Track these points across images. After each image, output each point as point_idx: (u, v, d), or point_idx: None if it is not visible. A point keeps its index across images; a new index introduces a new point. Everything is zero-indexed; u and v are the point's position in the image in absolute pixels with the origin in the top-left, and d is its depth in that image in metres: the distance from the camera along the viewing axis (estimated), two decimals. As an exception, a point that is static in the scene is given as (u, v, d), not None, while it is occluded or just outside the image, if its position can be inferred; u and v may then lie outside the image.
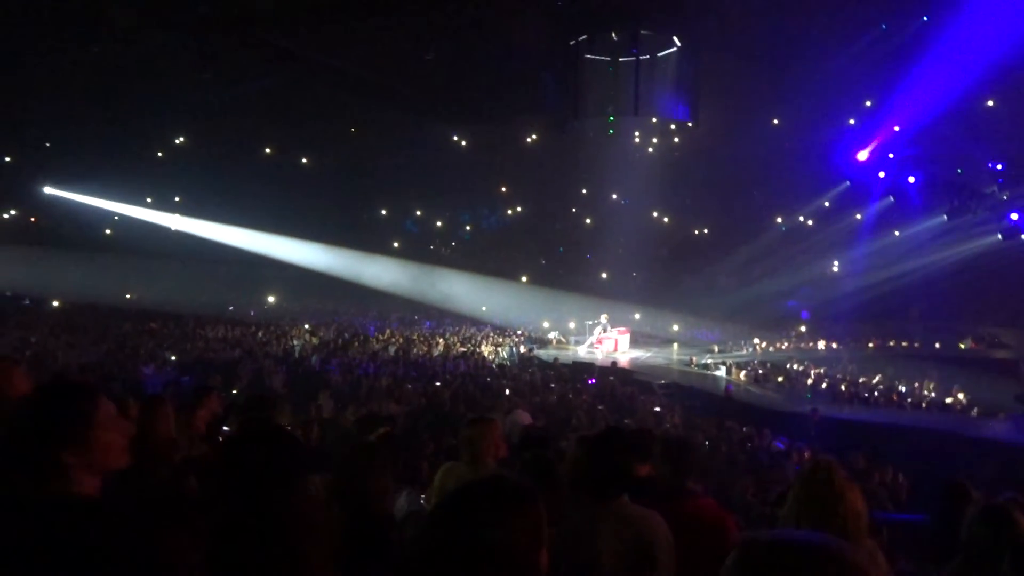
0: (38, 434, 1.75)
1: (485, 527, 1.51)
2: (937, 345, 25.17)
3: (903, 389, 19.47)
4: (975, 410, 17.22)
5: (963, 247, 24.89)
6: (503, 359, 22.24)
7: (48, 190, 27.84)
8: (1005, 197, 20.84)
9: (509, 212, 36.26)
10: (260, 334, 22.71)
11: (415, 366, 18.26)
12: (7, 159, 28.32)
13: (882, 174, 24.27)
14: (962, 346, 24.88)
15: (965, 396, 17.97)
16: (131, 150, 28.56)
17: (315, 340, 22.38)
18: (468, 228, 37.00)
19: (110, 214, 29.02)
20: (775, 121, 29.83)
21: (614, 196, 34.74)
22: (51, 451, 1.74)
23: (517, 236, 36.00)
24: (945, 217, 23.15)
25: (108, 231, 29.86)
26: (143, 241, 28.95)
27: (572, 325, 28.14)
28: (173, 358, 17.91)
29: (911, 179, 23.74)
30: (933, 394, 19.05)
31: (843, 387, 18.72)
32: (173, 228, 29.38)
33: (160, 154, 30.38)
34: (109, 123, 25.62)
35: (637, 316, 29.50)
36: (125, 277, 29.81)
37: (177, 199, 29.41)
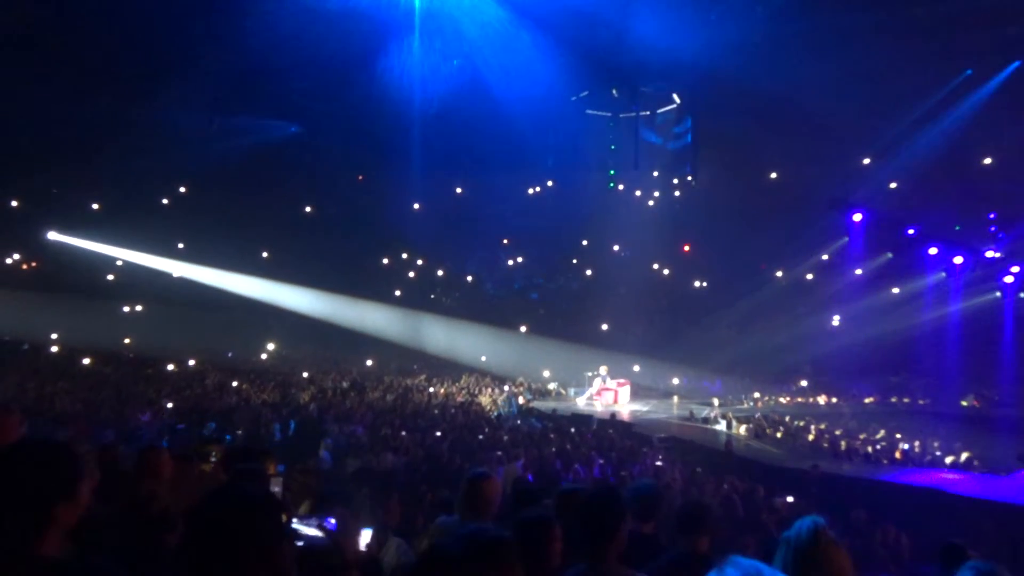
0: (34, 489, 1.76)
1: None
2: (938, 402, 25.01)
3: (905, 446, 19.28)
4: (977, 467, 17.02)
5: (963, 304, 24.95)
6: (502, 409, 22.10)
7: (53, 235, 28.06)
8: (1000, 256, 20.96)
9: (510, 263, 36.45)
10: (257, 381, 22.64)
11: (412, 417, 18.13)
12: (14, 204, 28.64)
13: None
14: (964, 403, 24.70)
15: (967, 454, 17.77)
16: (136, 197, 28.92)
17: (313, 388, 22.30)
18: (469, 278, 37.14)
19: (113, 260, 29.17)
20: (773, 175, 30.25)
21: (616, 248, 34.99)
22: (46, 506, 1.75)
23: (518, 286, 36.14)
24: (944, 274, 23.27)
25: (110, 277, 29.99)
26: (145, 287, 29.07)
27: (571, 377, 28.02)
28: (170, 405, 17.82)
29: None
30: (937, 452, 18.86)
31: (843, 443, 18.53)
32: (175, 275, 29.52)
33: (165, 201, 30.74)
34: (115, 170, 25.99)
35: (637, 368, 29.39)
36: (124, 323, 29.84)
37: (180, 245, 29.61)
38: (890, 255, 25.28)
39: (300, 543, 2.11)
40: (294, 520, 2.17)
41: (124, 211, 28.53)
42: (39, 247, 28.73)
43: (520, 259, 36.33)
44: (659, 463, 14.31)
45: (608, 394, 24.36)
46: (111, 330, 28.15)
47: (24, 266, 30.14)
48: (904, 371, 27.81)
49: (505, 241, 36.03)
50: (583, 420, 20.12)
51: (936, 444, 19.26)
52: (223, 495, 1.88)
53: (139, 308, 30.60)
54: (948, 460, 17.58)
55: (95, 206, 30.09)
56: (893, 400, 26.05)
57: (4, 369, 21.54)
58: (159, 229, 28.60)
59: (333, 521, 2.15)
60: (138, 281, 28.97)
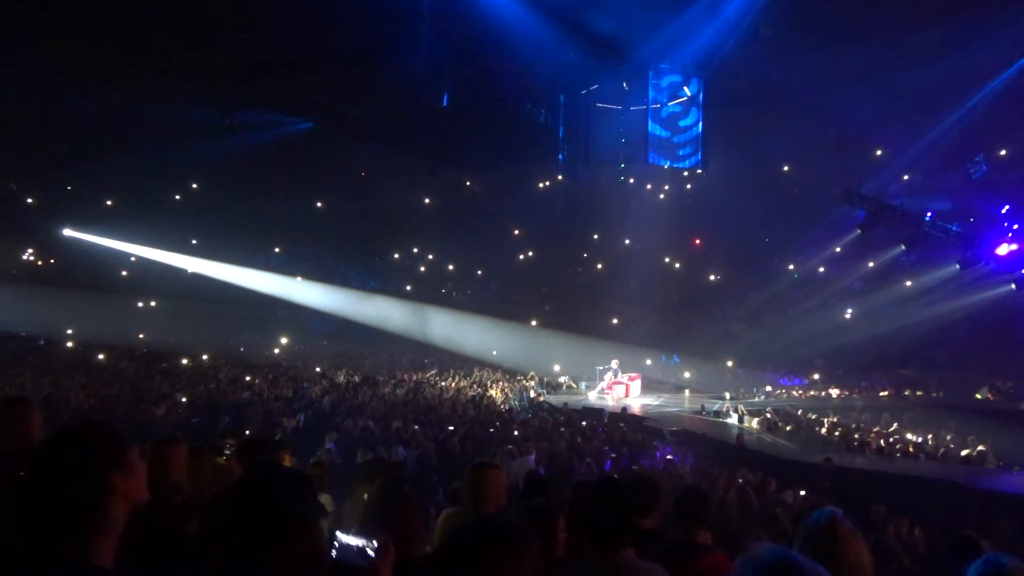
0: (88, 457, 1.80)
1: (480, 568, 1.54)
2: (952, 395, 24.82)
3: (919, 440, 19.16)
4: (991, 461, 16.91)
5: (978, 296, 24.75)
6: (513, 404, 22.13)
7: (67, 232, 28.28)
8: (1015, 247, 20.76)
9: (521, 257, 36.45)
10: (270, 376, 22.76)
11: (424, 411, 18.19)
12: (29, 200, 28.87)
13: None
14: (978, 396, 24.49)
15: (982, 447, 17.64)
16: (150, 194, 29.10)
17: (325, 383, 22.40)
18: (480, 272, 37.18)
19: (127, 256, 29.39)
20: (784, 168, 30.09)
21: (627, 242, 34.92)
22: (102, 471, 1.79)
23: (528, 280, 36.13)
24: (957, 266, 23.09)
25: (124, 272, 30.21)
26: (159, 283, 29.26)
27: (582, 371, 27.97)
28: (184, 399, 17.95)
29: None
30: (951, 445, 18.72)
31: (856, 437, 18.43)
32: (189, 270, 29.70)
33: (178, 198, 30.92)
34: (129, 167, 26.14)
35: (648, 362, 29.34)
36: (139, 318, 30.06)
37: (193, 241, 29.80)
38: (903, 247, 25.07)
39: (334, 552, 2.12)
40: (338, 532, 2.18)
41: (138, 207, 28.74)
42: (54, 243, 28.97)
43: (530, 253, 36.33)
44: (670, 457, 14.33)
45: (619, 388, 24.33)
46: (126, 325, 28.38)
47: (39, 262, 30.40)
48: (917, 364, 27.64)
49: (516, 234, 36.03)
50: (594, 414, 20.12)
51: (949, 437, 19.12)
52: (267, 472, 1.93)
53: (153, 304, 30.83)
54: (962, 453, 17.47)
55: (109, 203, 30.32)
56: (906, 393, 25.86)
57: (20, 364, 21.76)
58: (172, 225, 28.79)
59: (376, 544, 2.15)
60: (152, 277, 29.17)
